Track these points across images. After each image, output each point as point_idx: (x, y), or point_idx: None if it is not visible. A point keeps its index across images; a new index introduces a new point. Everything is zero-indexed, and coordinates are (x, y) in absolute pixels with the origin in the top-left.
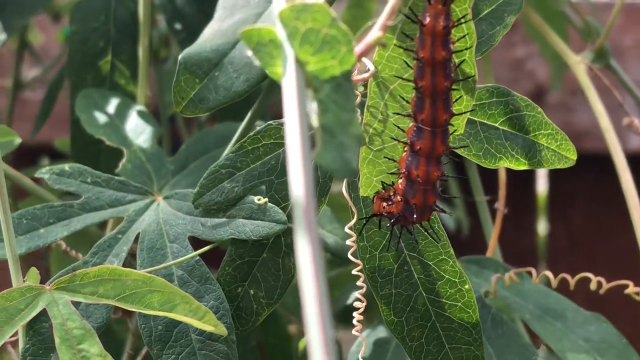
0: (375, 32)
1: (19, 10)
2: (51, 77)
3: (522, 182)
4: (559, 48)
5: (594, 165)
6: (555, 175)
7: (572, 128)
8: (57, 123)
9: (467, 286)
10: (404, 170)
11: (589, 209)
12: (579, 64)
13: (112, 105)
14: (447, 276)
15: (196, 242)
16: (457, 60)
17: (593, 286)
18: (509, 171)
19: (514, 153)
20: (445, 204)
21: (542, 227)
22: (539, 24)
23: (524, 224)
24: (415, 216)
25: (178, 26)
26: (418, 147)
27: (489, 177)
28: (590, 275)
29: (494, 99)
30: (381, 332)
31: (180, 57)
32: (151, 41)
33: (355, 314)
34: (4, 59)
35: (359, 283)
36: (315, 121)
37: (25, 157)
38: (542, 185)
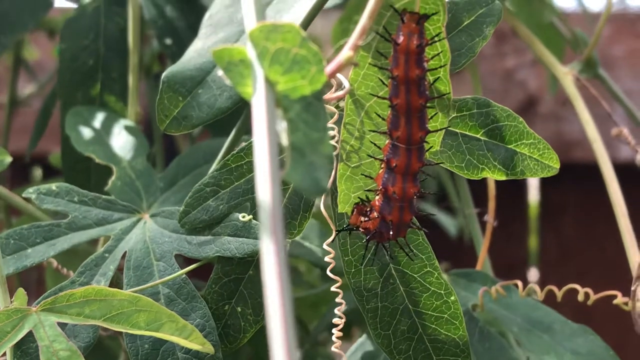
0: (346, 52)
1: (10, 28)
2: (47, 92)
3: (513, 192)
4: (546, 59)
5: (585, 175)
6: (546, 185)
7: (562, 138)
8: (52, 135)
9: (452, 298)
10: (381, 187)
11: (579, 219)
12: (567, 74)
13: (102, 122)
14: (432, 288)
15: (183, 259)
16: (431, 78)
17: (581, 297)
18: (499, 181)
19: (496, 163)
20: (447, 212)
21: (532, 237)
22: (527, 35)
23: (514, 234)
24: (391, 233)
25: (168, 41)
26: (394, 164)
27: (480, 188)
28: (577, 286)
29: (475, 111)
30: (370, 345)
31: (163, 75)
32: (142, 57)
33: (334, 330)
34: (0, 75)
35: (338, 300)
36: (285, 140)
37: (19, 169)
38: (532, 195)
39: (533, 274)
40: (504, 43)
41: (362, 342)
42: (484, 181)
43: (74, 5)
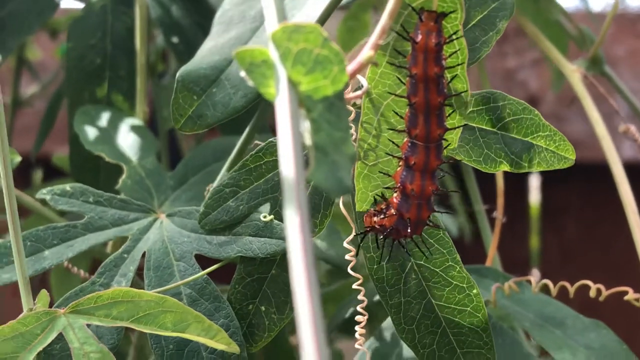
0: (366, 52)
1: (16, 31)
2: (50, 92)
3: (515, 192)
4: (554, 57)
5: (587, 175)
6: (548, 185)
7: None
8: (53, 136)
9: (475, 291)
10: (399, 184)
11: (581, 218)
12: (574, 72)
13: (111, 121)
14: (454, 282)
15: (202, 259)
16: (449, 76)
17: (592, 293)
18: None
19: (513, 157)
20: (448, 211)
21: (534, 237)
22: (534, 33)
23: (517, 234)
24: (409, 230)
25: (175, 39)
26: (412, 162)
27: (486, 186)
28: (590, 282)
29: (491, 105)
30: (381, 344)
31: (177, 74)
32: (148, 56)
33: (357, 327)
34: (3, 75)
35: (359, 297)
36: (308, 140)
37: (20, 170)
38: (535, 195)
39: (535, 274)
40: (505, 43)
41: (372, 343)
42: (488, 179)
43: (77, 6)
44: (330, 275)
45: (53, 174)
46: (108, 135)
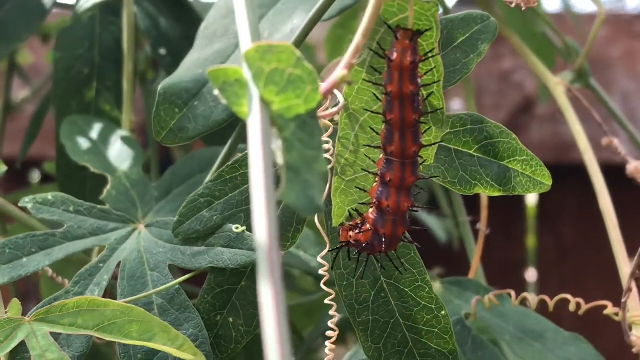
0: (340, 71)
1: (6, 39)
2: (42, 96)
3: None
4: (538, 69)
5: (583, 176)
6: None
7: (560, 139)
8: (50, 138)
9: (443, 312)
10: (375, 200)
11: (577, 219)
12: (559, 85)
13: (97, 132)
14: (423, 303)
15: (179, 269)
16: (425, 93)
17: (572, 307)
18: None
19: (489, 179)
20: (436, 215)
21: (531, 237)
22: (519, 45)
23: (513, 234)
24: (384, 246)
25: (163, 51)
26: (388, 178)
27: (475, 195)
28: (569, 296)
29: (469, 127)
30: (363, 354)
31: (159, 87)
32: (136, 65)
33: (327, 343)
34: None
35: (331, 312)
36: (280, 159)
37: (17, 172)
38: (531, 196)
39: (531, 274)
40: (500, 45)
41: (357, 351)
42: None
43: (68, 10)
44: (317, 283)
45: (50, 176)
46: (94, 145)
